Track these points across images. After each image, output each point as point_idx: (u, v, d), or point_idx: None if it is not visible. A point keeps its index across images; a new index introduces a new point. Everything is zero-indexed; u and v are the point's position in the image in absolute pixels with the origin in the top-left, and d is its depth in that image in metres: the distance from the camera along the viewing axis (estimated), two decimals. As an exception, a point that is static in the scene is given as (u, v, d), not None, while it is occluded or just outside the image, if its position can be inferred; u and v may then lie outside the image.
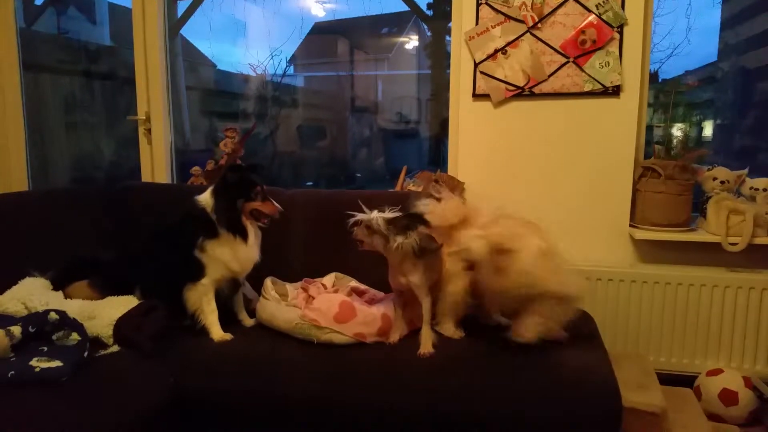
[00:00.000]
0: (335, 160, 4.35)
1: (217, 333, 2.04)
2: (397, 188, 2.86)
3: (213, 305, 2.07)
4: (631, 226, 2.65)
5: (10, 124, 3.28)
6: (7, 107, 3.26)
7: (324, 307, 1.97)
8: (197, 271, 2.05)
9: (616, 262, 2.67)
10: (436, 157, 3.72)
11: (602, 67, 2.56)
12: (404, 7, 3.62)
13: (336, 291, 2.23)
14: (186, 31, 3.60)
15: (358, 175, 4.26)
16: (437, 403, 1.73)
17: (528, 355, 1.85)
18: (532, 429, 1.69)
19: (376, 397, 1.77)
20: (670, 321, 2.56)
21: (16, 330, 1.71)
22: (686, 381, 2.50)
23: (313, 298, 2.08)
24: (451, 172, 2.83)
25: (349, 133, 4.30)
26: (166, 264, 2.09)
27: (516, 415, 1.69)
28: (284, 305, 2.09)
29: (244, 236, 2.06)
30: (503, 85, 2.65)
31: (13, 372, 1.59)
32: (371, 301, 2.17)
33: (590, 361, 1.87)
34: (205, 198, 2.09)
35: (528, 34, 2.60)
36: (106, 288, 2.08)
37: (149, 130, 3.16)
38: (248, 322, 2.20)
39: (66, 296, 2.08)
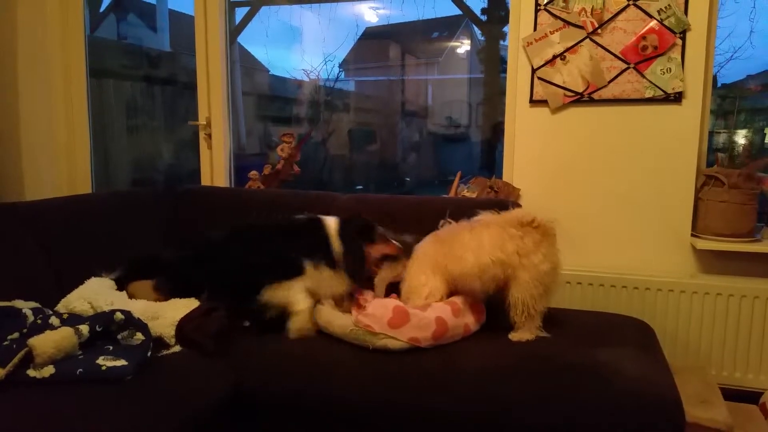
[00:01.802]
0: (385, 165, 4.36)
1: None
2: (451, 194, 2.85)
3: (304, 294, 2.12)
4: (692, 235, 2.58)
5: (76, 128, 3.38)
6: (75, 112, 3.37)
7: (378, 312, 1.97)
8: (297, 271, 2.10)
9: (677, 272, 2.60)
10: (488, 162, 3.69)
11: (664, 73, 2.50)
12: (458, 12, 3.61)
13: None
14: (240, 37, 3.67)
15: (408, 179, 4.25)
16: (492, 411, 1.71)
17: (585, 364, 1.83)
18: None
19: (430, 402, 1.76)
20: (733, 334, 2.49)
21: (85, 329, 1.74)
22: (751, 397, 2.41)
23: (363, 306, 2.08)
24: (506, 178, 2.80)
25: (399, 138, 4.30)
26: (249, 263, 2.12)
27: (572, 425, 1.66)
28: (339, 311, 2.11)
29: (363, 284, 2.17)
30: (561, 91, 2.61)
31: (81, 370, 1.64)
32: (425, 306, 2.17)
33: (650, 372, 1.81)
34: (331, 229, 2.17)
35: (588, 39, 2.56)
36: (170, 291, 2.12)
37: (209, 135, 3.22)
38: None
39: (129, 296, 2.14)
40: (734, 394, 2.40)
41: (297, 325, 2.06)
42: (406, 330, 1.94)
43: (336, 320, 2.05)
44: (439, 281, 2.10)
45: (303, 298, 2.10)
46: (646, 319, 2.31)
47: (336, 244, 2.14)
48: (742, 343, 2.48)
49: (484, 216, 2.13)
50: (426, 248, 2.15)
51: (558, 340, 2.05)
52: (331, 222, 2.19)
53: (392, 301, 2.05)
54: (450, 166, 3.99)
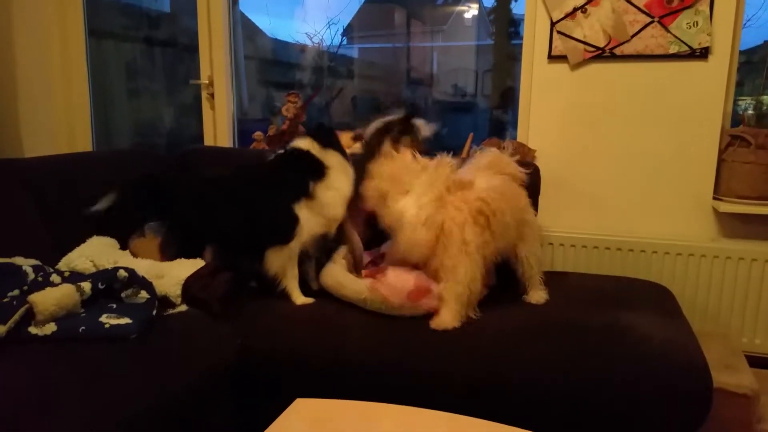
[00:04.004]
0: (389, 132, 4.27)
1: (298, 297, 2.00)
2: (463, 155, 2.76)
3: (296, 270, 2.02)
4: (714, 198, 2.49)
5: (75, 89, 3.30)
6: (73, 72, 3.29)
7: (399, 284, 1.86)
8: (289, 232, 1.97)
9: (698, 236, 2.52)
10: (497, 130, 3.60)
11: (690, 27, 2.39)
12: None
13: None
14: (241, 4, 3.55)
15: (412, 147, 4.17)
16: (514, 373, 1.64)
17: (608, 327, 1.77)
18: (614, 405, 1.58)
19: (448, 365, 1.69)
20: (755, 299, 2.42)
21: (87, 286, 1.69)
22: (774, 363, 2.36)
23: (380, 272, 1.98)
24: (520, 139, 2.71)
25: (404, 106, 4.20)
26: (252, 221, 2.01)
27: (598, 389, 1.59)
28: (352, 273, 2.02)
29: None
30: (582, 46, 2.50)
31: (83, 327, 1.59)
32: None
33: (675, 336, 1.75)
34: (305, 143, 2.05)
35: (610, -9, 2.45)
36: (175, 252, 2.04)
37: (212, 95, 3.13)
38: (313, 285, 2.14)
39: (133, 255, 2.07)
40: (756, 361, 2.33)
41: (296, 300, 2.00)
42: (425, 302, 1.85)
43: (349, 284, 1.95)
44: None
45: (291, 273, 2.01)
46: (666, 284, 2.26)
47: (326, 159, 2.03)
48: (764, 308, 2.41)
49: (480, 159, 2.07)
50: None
51: (578, 304, 2.00)
52: (306, 143, 2.05)
53: (414, 272, 1.92)
54: (456, 134, 3.91)
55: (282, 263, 1.99)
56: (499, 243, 1.91)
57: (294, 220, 1.96)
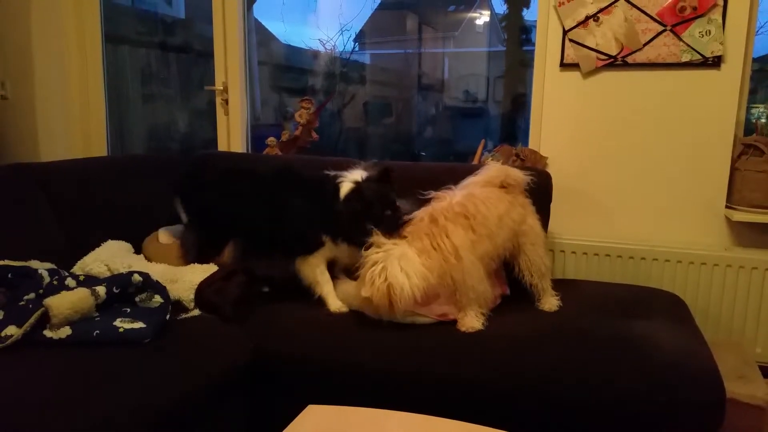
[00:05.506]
0: (400, 138, 4.28)
1: (333, 304, 1.97)
2: (475, 162, 2.77)
3: (327, 275, 2.00)
4: (727, 207, 2.48)
5: (91, 93, 3.34)
6: (89, 77, 3.33)
7: None
8: (314, 246, 1.98)
9: (710, 245, 2.50)
10: (508, 135, 3.61)
11: (702, 36, 2.38)
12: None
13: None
14: (256, 11, 3.58)
15: (423, 153, 4.18)
16: (527, 381, 1.64)
17: (620, 336, 1.77)
18: (625, 414, 1.58)
19: (462, 372, 1.69)
20: (769, 309, 2.40)
21: (101, 290, 1.71)
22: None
23: None
24: (532, 146, 2.71)
25: (415, 111, 4.22)
26: (282, 224, 2.01)
27: (609, 397, 1.59)
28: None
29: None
30: (594, 54, 2.50)
31: (98, 331, 1.61)
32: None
33: (687, 345, 1.75)
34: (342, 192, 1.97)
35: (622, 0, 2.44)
36: (195, 246, 2.07)
37: (226, 101, 3.15)
38: None
39: (147, 259, 2.09)
40: (769, 371, 2.32)
41: (331, 307, 1.97)
42: (435, 307, 1.86)
43: (357, 293, 1.95)
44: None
45: (323, 279, 2.00)
46: (678, 293, 2.25)
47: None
48: (777, 318, 2.40)
49: (473, 179, 2.05)
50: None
51: (589, 312, 2.00)
52: (345, 187, 1.97)
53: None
54: (467, 140, 3.92)
55: (311, 271, 1.99)
56: (488, 245, 1.90)
57: (319, 241, 1.98)
